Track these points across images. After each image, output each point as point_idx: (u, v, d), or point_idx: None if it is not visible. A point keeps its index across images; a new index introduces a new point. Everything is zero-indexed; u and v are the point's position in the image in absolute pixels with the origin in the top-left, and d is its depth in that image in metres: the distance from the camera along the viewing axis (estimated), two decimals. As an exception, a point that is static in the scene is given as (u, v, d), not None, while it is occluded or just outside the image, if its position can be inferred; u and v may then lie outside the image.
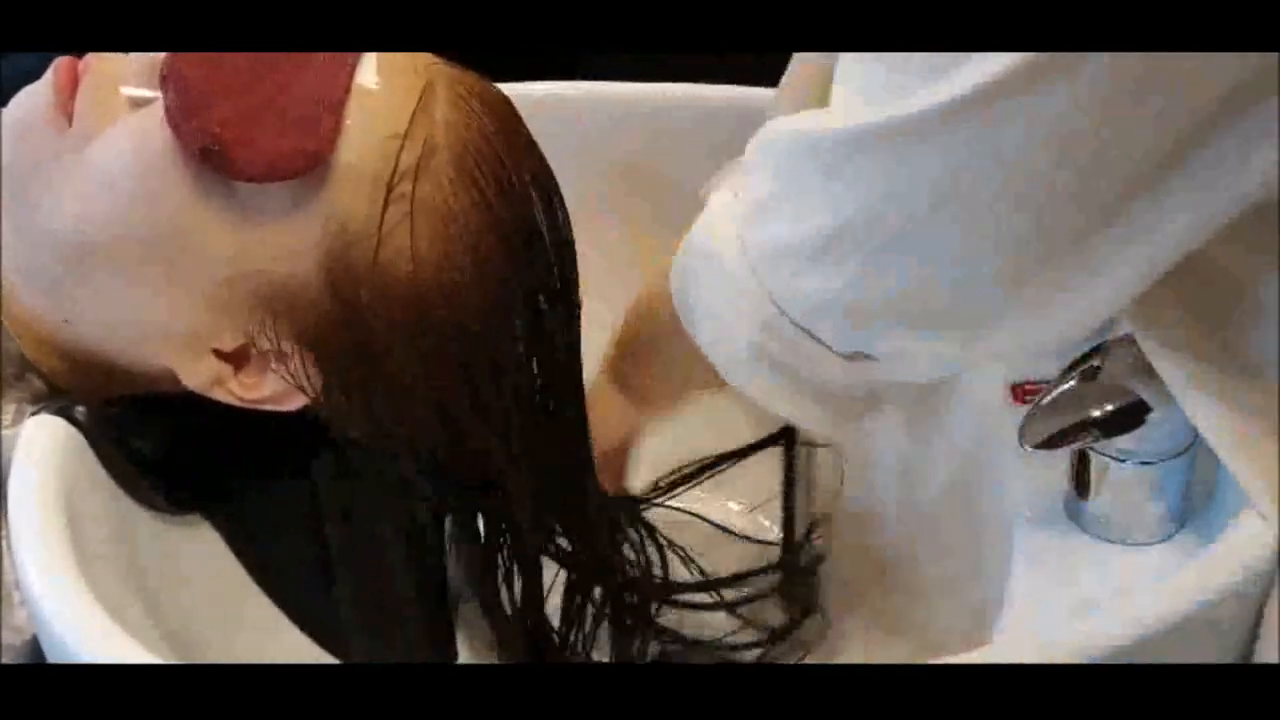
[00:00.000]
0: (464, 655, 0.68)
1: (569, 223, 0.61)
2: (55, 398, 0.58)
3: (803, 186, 0.49)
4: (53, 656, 0.50)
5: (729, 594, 0.71)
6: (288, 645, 0.63)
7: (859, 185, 0.46)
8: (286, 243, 0.55)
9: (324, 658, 0.64)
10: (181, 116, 0.53)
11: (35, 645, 0.53)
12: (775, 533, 0.76)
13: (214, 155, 0.53)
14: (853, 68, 0.47)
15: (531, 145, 0.61)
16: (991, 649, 0.51)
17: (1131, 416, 0.53)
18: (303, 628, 0.64)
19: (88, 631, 0.48)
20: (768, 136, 0.51)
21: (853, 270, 0.48)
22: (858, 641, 0.71)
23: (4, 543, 0.55)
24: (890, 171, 0.45)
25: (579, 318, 0.62)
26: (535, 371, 0.60)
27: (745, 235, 0.52)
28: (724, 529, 0.76)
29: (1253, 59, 0.39)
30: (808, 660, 0.71)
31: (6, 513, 0.55)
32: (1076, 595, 0.54)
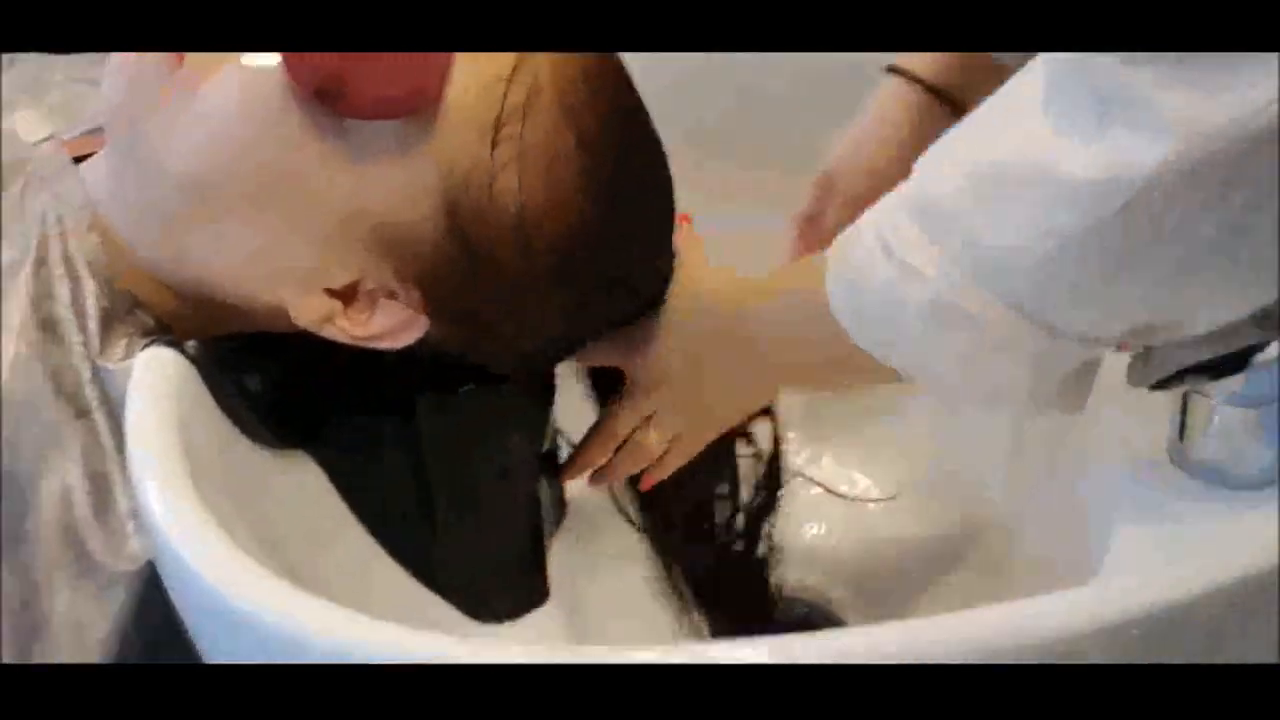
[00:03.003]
0: (555, 587, 0.69)
1: (665, 157, 0.62)
2: (164, 332, 0.59)
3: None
4: (171, 580, 0.51)
5: None
6: (384, 578, 0.64)
7: None
8: (398, 181, 0.56)
9: (418, 590, 0.65)
10: (296, 55, 0.54)
11: (148, 574, 0.54)
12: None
13: (327, 94, 0.54)
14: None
15: (629, 84, 0.61)
16: (1091, 590, 0.51)
17: (1238, 359, 0.53)
18: (399, 560, 0.65)
19: (208, 554, 0.48)
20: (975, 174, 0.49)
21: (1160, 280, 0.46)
22: (956, 589, 0.71)
23: (116, 473, 0.56)
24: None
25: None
26: (641, 302, 0.61)
27: (993, 283, 0.49)
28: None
29: None
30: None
31: (117, 446, 0.56)
32: (1180, 540, 0.54)
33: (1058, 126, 0.45)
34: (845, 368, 0.57)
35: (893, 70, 0.75)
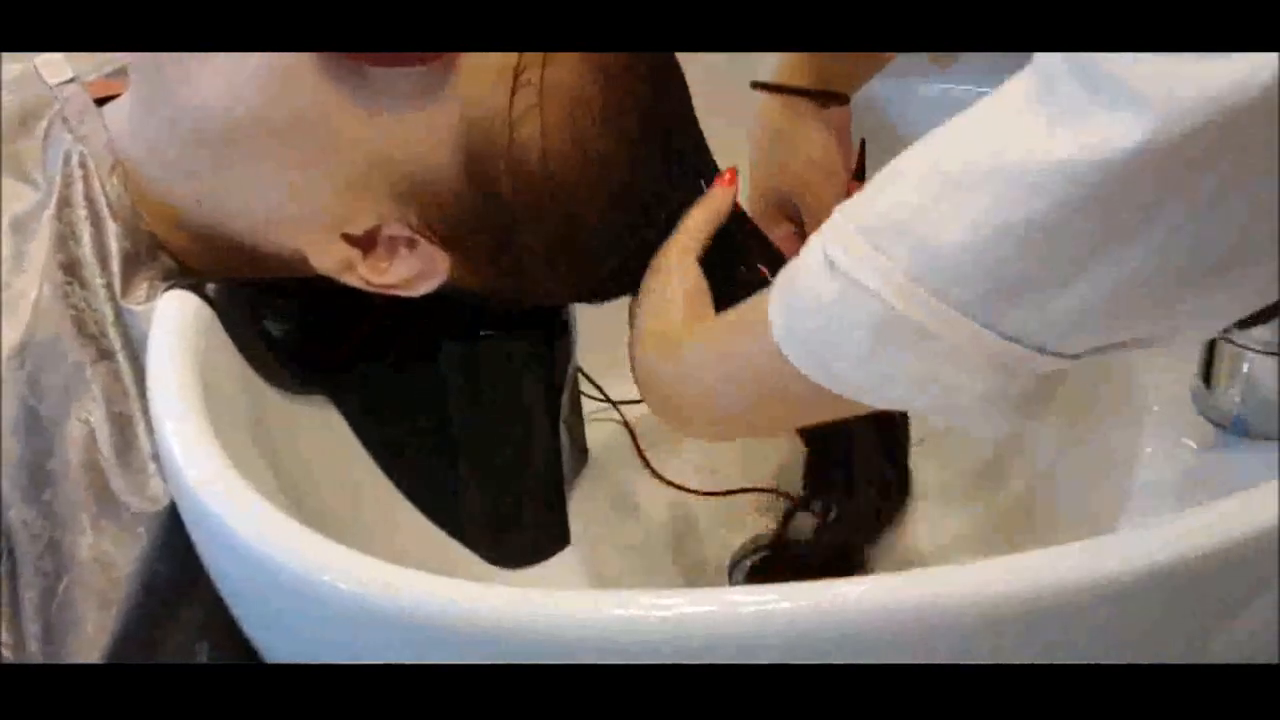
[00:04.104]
0: (576, 534, 0.69)
1: (690, 100, 0.61)
2: (186, 275, 0.60)
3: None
4: (190, 521, 0.52)
5: None
6: (404, 522, 0.65)
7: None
8: (419, 129, 0.55)
9: (438, 534, 0.65)
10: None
11: (168, 515, 0.55)
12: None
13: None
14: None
15: None
16: (1115, 539, 0.51)
17: (1271, 308, 0.52)
18: (418, 504, 0.65)
19: (226, 496, 0.48)
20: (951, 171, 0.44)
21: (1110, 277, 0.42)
22: (968, 536, 0.71)
23: (138, 414, 0.57)
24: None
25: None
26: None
27: (945, 288, 0.44)
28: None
29: None
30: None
31: (140, 388, 0.56)
32: (1203, 488, 0.54)
33: (1026, 115, 0.42)
34: (789, 405, 0.52)
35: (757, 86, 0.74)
